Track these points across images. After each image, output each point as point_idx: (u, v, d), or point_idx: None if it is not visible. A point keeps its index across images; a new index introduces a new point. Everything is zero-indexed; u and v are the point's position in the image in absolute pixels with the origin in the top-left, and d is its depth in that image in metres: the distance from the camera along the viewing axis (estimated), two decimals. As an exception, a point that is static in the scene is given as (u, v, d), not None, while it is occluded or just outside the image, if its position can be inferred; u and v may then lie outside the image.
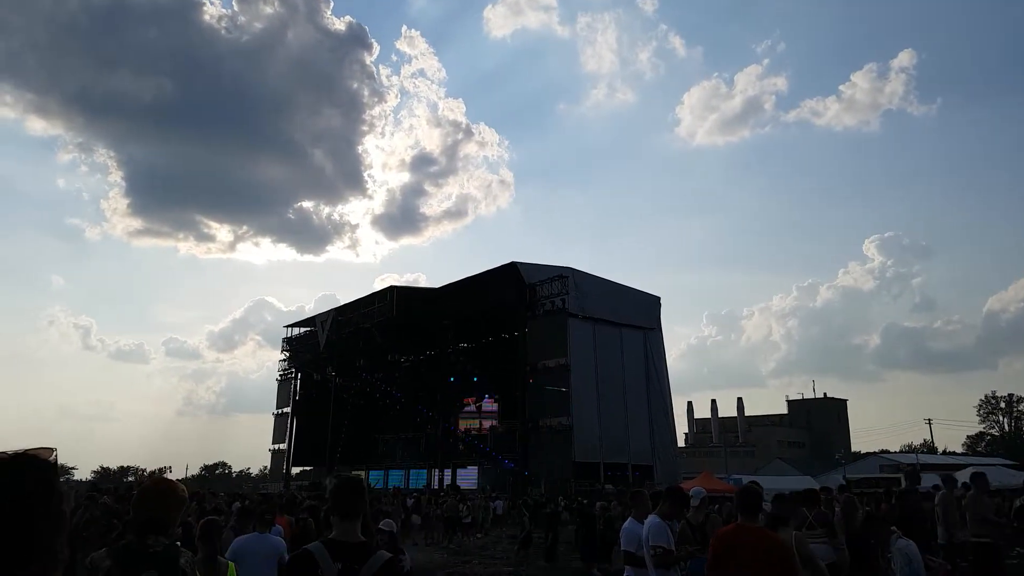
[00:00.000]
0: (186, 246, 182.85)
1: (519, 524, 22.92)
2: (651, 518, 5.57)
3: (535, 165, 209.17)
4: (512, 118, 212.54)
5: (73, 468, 70.68)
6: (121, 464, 76.40)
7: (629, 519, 6.17)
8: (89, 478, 67.90)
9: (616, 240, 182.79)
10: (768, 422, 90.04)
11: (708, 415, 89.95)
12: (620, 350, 41.31)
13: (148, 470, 72.85)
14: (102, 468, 74.43)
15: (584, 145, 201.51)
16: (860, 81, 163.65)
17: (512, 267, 39.65)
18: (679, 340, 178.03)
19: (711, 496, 10.32)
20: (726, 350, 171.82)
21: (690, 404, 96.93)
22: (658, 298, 47.08)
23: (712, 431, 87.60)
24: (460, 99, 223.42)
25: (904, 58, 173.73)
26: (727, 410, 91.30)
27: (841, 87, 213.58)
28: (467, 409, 49.08)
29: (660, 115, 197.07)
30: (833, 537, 6.73)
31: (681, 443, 73.51)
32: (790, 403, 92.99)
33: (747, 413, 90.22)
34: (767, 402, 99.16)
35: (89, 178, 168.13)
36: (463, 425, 48.14)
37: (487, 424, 47.32)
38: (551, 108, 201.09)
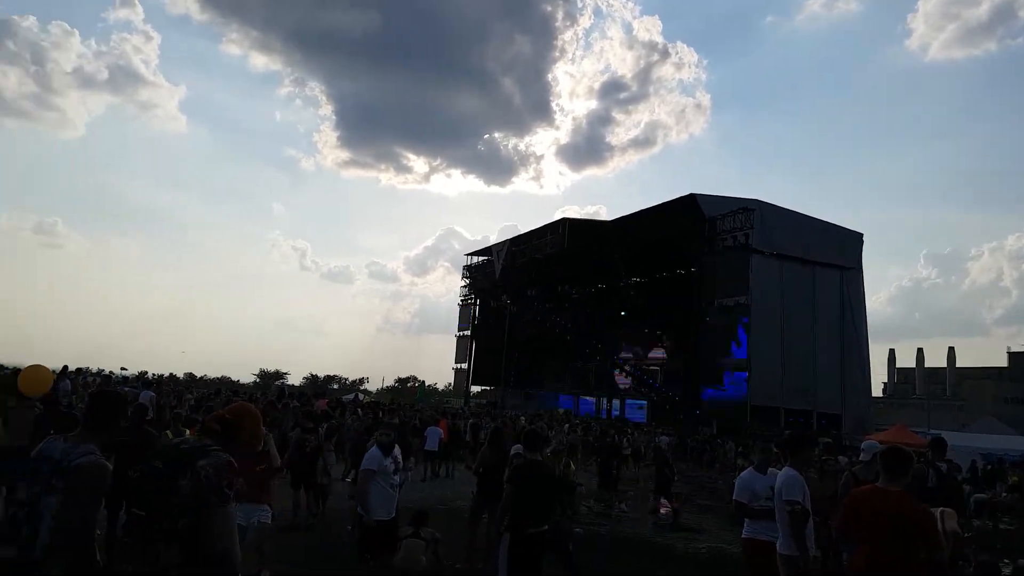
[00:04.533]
0: (387, 176, 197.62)
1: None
2: (786, 469, 5.07)
3: (735, 87, 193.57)
4: (713, 35, 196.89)
5: (287, 373, 79.59)
6: (327, 373, 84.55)
7: (748, 468, 5.81)
8: (300, 383, 77.68)
9: (821, 171, 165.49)
10: (984, 375, 78.37)
11: (912, 365, 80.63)
12: (811, 290, 37.82)
13: (349, 379, 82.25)
14: (312, 375, 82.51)
15: (793, 64, 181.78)
16: None
17: (691, 199, 37.43)
18: (888, 282, 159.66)
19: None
20: (944, 294, 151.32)
21: (892, 352, 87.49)
22: (860, 235, 42.05)
23: (915, 382, 78.64)
24: (656, 16, 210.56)
25: None
26: (935, 360, 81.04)
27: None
28: (636, 343, 48.68)
29: (888, 26, 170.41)
30: None
31: (878, 393, 67.14)
32: (1011, 355, 79.89)
33: (961, 365, 79.34)
34: (985, 354, 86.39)
35: (303, 112, 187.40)
36: (633, 358, 47.93)
37: (657, 360, 46.64)
38: (759, 22, 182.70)
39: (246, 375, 79.35)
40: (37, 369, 8.92)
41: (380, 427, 8.82)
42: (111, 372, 36.24)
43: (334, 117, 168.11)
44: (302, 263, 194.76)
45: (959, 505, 7.78)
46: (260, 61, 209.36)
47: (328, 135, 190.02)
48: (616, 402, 45.90)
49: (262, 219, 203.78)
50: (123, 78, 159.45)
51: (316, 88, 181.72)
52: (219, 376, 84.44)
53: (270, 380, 72.70)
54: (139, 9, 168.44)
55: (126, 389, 16.79)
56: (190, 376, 78.57)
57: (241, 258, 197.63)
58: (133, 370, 38.82)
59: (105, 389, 3.51)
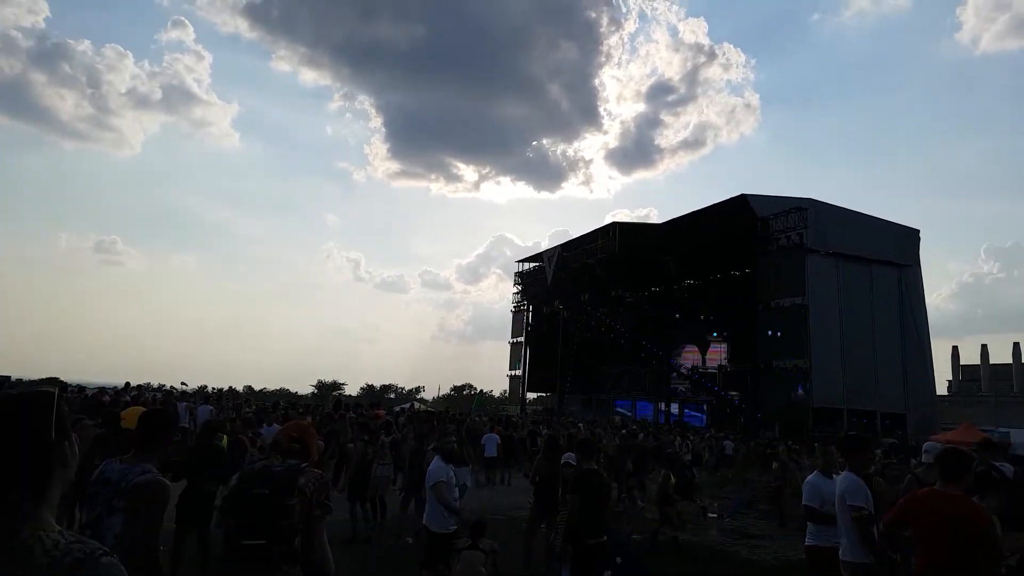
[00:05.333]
0: (437, 186, 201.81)
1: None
2: (846, 474, 5.00)
3: (784, 86, 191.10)
4: (760, 34, 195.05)
5: (344, 384, 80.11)
6: (384, 382, 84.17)
7: (815, 472, 5.70)
8: (357, 393, 77.67)
9: (877, 166, 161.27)
10: (1055, 370, 74.96)
11: (977, 362, 77.93)
12: (869, 288, 37.50)
13: (406, 388, 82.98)
14: (368, 385, 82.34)
15: (842, 60, 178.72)
16: None
17: (741, 200, 37.59)
18: (949, 278, 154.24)
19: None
20: (1008, 289, 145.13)
21: (955, 349, 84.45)
22: (916, 231, 41.41)
23: (981, 379, 76.05)
24: (701, 17, 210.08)
25: None
26: (1000, 357, 78.05)
27: None
28: (693, 346, 48.82)
29: (937, 19, 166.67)
30: None
31: (943, 391, 65.30)
32: (1083, 350, 76.18)
33: (1028, 360, 76.09)
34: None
35: (354, 124, 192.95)
36: (689, 361, 48.09)
37: (714, 362, 46.74)
38: (805, 20, 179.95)
39: (304, 386, 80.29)
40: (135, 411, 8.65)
41: (440, 435, 8.83)
42: (172, 387, 36.60)
43: (383, 129, 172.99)
44: (356, 273, 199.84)
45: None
46: (310, 76, 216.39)
47: (378, 147, 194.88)
48: (675, 406, 46.13)
49: (316, 231, 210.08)
50: (177, 97, 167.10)
51: (365, 101, 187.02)
52: (278, 388, 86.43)
53: (328, 391, 73.30)
54: (190, 30, 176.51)
55: (184, 404, 17.10)
56: (249, 389, 79.10)
57: (297, 270, 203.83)
58: (193, 384, 39.88)
59: (154, 409, 4.00)
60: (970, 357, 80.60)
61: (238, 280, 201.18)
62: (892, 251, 39.02)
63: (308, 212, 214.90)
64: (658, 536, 10.05)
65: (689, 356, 48.47)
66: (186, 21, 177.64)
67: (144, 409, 8.69)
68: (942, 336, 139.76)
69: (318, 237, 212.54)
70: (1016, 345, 78.24)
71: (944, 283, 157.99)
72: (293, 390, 79.50)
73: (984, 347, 79.31)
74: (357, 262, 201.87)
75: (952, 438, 27.12)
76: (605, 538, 5.44)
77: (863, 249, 37.45)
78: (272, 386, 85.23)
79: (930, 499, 3.87)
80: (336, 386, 78.22)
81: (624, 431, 27.49)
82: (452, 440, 6.77)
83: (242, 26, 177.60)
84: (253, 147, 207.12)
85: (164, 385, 39.95)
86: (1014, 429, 35.60)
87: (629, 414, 46.80)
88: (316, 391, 76.10)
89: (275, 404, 21.14)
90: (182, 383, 38.30)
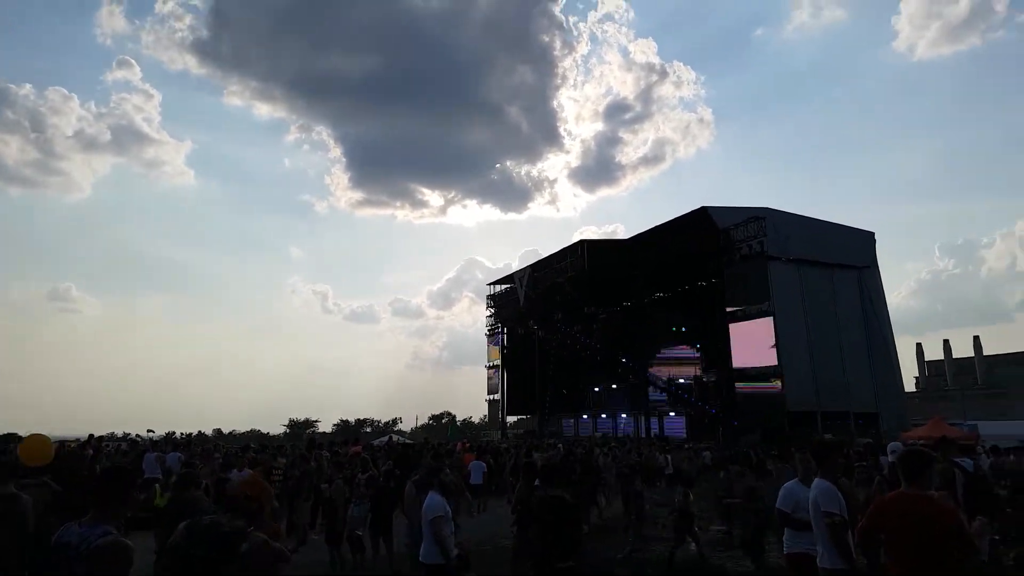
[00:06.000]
0: (403, 213, 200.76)
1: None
2: (818, 481, 5.00)
3: (735, 100, 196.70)
4: (707, 52, 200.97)
5: (317, 421, 78.64)
6: (359, 417, 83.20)
7: (794, 480, 5.70)
8: (331, 430, 75.58)
9: (828, 174, 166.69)
10: (1013, 361, 77.58)
11: (941, 357, 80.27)
12: (832, 292, 38.60)
13: (382, 421, 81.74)
14: (342, 421, 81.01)
15: (788, 72, 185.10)
16: None
17: (702, 212, 38.51)
18: (907, 277, 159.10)
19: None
20: (964, 284, 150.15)
21: (919, 345, 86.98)
22: (872, 233, 42.94)
23: (946, 373, 78.29)
24: (651, 38, 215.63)
25: None
26: (962, 351, 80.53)
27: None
28: (667, 358, 49.43)
29: (874, 29, 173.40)
30: None
31: (911, 388, 66.94)
32: (1043, 338, 79.07)
33: (988, 352, 78.65)
34: (1016, 339, 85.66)
35: (312, 156, 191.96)
36: (666, 374, 48.60)
37: (689, 373, 47.33)
38: (749, 35, 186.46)
39: (276, 426, 78.64)
40: (36, 439, 8.37)
41: (423, 468, 8.72)
42: (138, 435, 35.53)
43: (344, 159, 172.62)
44: (324, 306, 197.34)
45: (990, 504, 7.79)
46: (264, 110, 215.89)
47: (339, 177, 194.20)
48: (655, 420, 46.48)
49: (281, 265, 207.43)
50: (127, 137, 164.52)
51: (323, 132, 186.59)
52: (248, 430, 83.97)
53: (300, 430, 71.87)
54: (136, 69, 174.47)
55: (155, 454, 16.53)
56: (218, 432, 77.07)
57: (262, 306, 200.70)
58: (160, 431, 38.74)
59: (111, 466, 3.84)
60: (934, 352, 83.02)
61: (201, 321, 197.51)
62: (850, 254, 40.25)
63: (271, 247, 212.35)
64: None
65: (665, 369, 49.03)
66: (132, 60, 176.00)
67: (41, 435, 8.49)
68: (906, 334, 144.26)
69: (282, 272, 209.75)
70: (976, 338, 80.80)
71: (903, 282, 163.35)
72: (265, 431, 77.87)
73: (946, 342, 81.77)
74: (324, 295, 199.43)
75: (923, 434, 27.87)
76: (572, 563, 5.69)
77: (822, 254, 38.55)
78: (242, 428, 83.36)
79: (897, 502, 3.86)
80: (309, 424, 76.83)
81: (607, 449, 27.64)
82: (448, 473, 6.59)
83: (191, 63, 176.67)
84: (210, 184, 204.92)
85: (129, 434, 38.72)
86: (981, 421, 36.77)
87: (611, 431, 47.02)
88: (288, 430, 74.61)
89: (244, 447, 20.28)
90: (148, 430, 37.14)
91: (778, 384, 34.73)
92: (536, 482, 8.16)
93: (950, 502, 4.60)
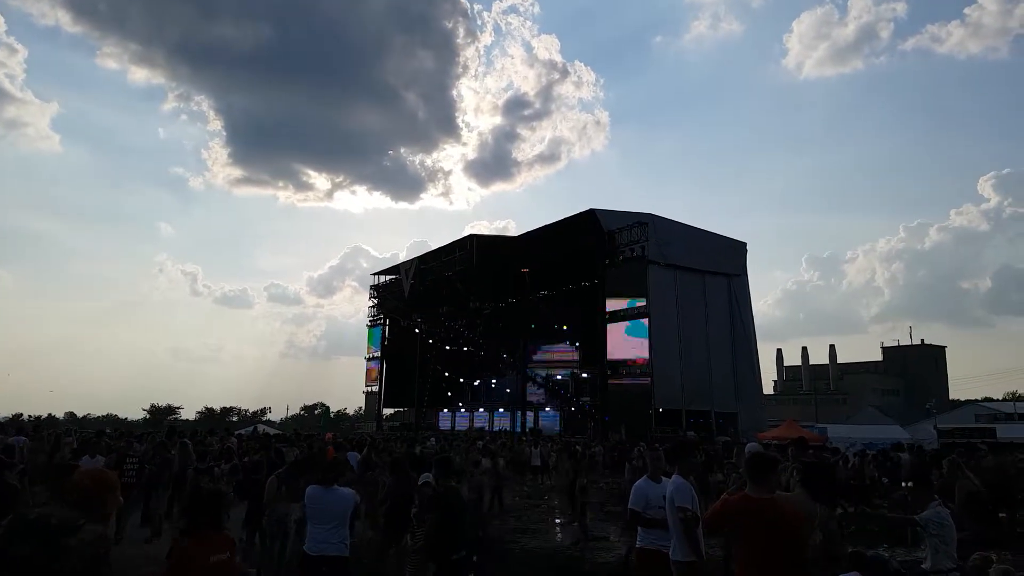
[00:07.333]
0: (285, 194, 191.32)
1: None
2: (675, 478, 5.23)
3: (632, 104, 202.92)
4: (609, 54, 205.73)
5: (179, 408, 75.09)
6: (224, 405, 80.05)
7: (644, 477, 5.75)
8: (195, 418, 72.96)
9: (714, 182, 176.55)
10: (862, 369, 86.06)
11: (799, 362, 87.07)
12: (703, 297, 40.45)
13: (250, 411, 78.09)
14: (207, 408, 77.62)
15: (684, 81, 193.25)
16: (988, 3, 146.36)
17: (590, 214, 39.25)
18: (775, 285, 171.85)
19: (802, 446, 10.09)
20: (825, 295, 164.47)
21: (779, 351, 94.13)
22: (744, 244, 45.53)
23: (802, 378, 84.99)
24: (554, 35, 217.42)
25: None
26: (819, 358, 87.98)
27: (967, 10, 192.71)
28: (547, 355, 49.92)
29: (767, 45, 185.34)
30: None
31: (769, 391, 71.76)
32: (885, 350, 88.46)
33: (841, 360, 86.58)
34: (863, 349, 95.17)
35: (190, 127, 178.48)
36: (544, 371, 49.05)
37: (567, 370, 48.03)
38: (648, 41, 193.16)
39: (136, 412, 74.98)
40: None
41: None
42: None
43: (224, 133, 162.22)
44: (193, 287, 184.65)
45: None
46: (141, 75, 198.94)
47: (218, 152, 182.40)
48: (530, 415, 46.72)
49: (148, 242, 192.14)
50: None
51: (204, 103, 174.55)
52: (105, 414, 78.32)
53: (162, 416, 68.42)
54: (1, 20, 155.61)
55: None
56: (71, 416, 73.09)
57: (125, 285, 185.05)
58: (6, 412, 35.26)
59: None
60: (792, 358, 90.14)
61: (59, 297, 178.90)
62: (723, 262, 42.44)
63: (138, 222, 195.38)
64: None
65: (543, 364, 49.50)
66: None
67: None
68: (768, 340, 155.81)
69: (150, 249, 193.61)
70: (832, 347, 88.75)
71: (770, 290, 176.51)
72: (123, 416, 72.26)
73: (804, 349, 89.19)
74: (194, 275, 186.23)
75: (777, 434, 29.72)
76: (465, 552, 5.51)
77: (697, 261, 40.38)
78: (98, 412, 77.05)
79: (743, 503, 3.93)
80: (171, 410, 72.52)
81: (481, 443, 27.32)
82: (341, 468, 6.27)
83: (64, 19, 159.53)
84: (76, 151, 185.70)
85: (-28, 418, 34.71)
86: (830, 424, 39.97)
87: (485, 427, 46.84)
88: (149, 416, 69.88)
89: (99, 433, 19.00)
90: None
91: (648, 380, 35.82)
92: (423, 477, 7.78)
93: (804, 502, 4.61)
